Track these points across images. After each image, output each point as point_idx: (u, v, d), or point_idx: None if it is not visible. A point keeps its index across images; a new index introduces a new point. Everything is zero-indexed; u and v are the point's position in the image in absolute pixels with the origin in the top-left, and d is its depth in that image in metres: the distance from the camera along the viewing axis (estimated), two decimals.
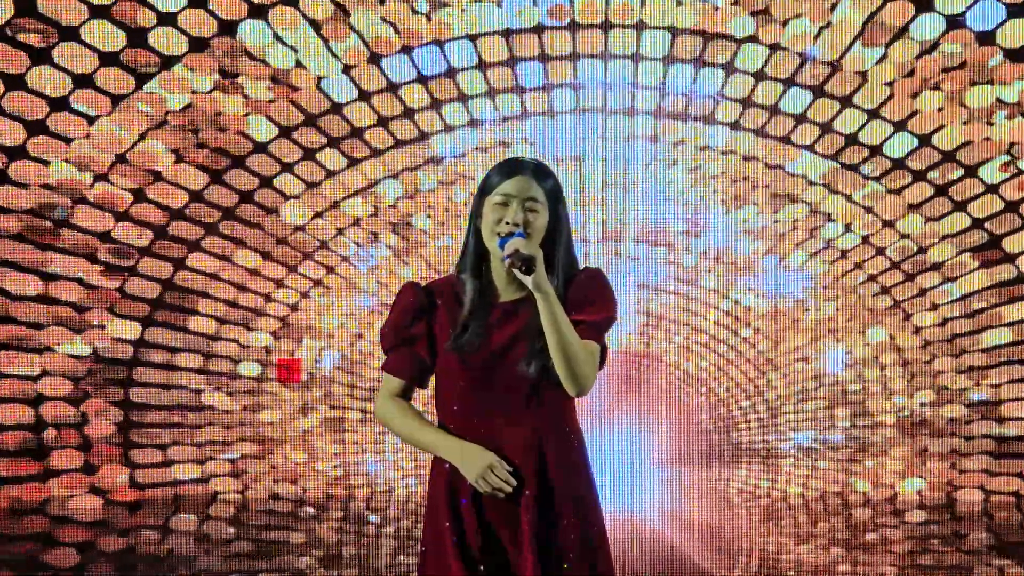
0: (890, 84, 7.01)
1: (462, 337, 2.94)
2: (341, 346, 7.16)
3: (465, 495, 2.95)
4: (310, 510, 7.05)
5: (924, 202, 7.20)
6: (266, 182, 7.12)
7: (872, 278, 7.19)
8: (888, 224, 7.14)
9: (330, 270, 7.18)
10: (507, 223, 2.91)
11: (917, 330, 7.25)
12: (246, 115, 7.03)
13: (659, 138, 7.06)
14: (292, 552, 6.76)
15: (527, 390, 2.95)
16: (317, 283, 7.17)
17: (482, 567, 2.93)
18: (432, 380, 3.08)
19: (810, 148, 7.14)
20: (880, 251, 7.18)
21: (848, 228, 7.16)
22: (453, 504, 2.95)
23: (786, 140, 7.11)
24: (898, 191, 7.18)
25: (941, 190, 7.16)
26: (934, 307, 7.22)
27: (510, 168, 2.98)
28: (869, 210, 7.16)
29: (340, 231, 7.17)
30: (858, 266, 7.12)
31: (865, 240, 7.17)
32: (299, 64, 7.04)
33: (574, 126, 7.06)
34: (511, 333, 2.95)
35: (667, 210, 7.06)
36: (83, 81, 6.91)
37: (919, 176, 7.16)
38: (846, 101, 7.07)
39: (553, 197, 2.98)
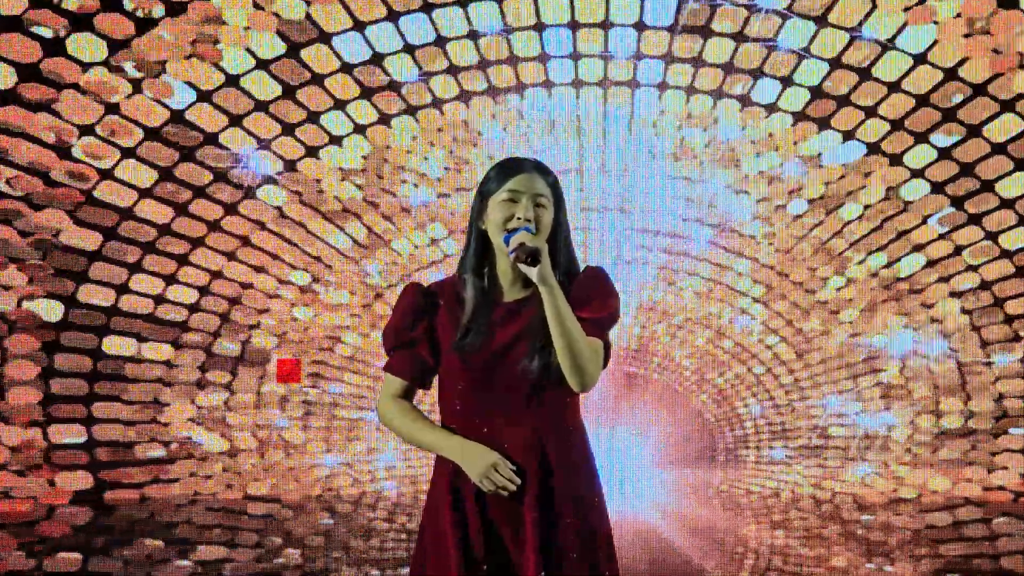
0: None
1: (465, 338, 3.00)
2: (322, 340, 7.03)
3: (468, 495, 2.99)
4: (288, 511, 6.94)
5: (948, 181, 7.01)
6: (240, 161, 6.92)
7: (889, 264, 7.04)
8: (907, 205, 6.99)
9: (316, 259, 7.01)
10: (519, 218, 2.97)
11: (937, 321, 7.07)
12: (219, 88, 6.81)
13: (663, 113, 6.95)
14: (271, 556, 6.66)
15: (528, 390, 2.99)
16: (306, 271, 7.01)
17: (484, 567, 2.97)
18: (435, 380, 3.15)
19: (825, 122, 6.95)
20: (898, 236, 7.02)
21: (864, 210, 7.01)
22: (455, 504, 2.99)
23: (801, 115, 6.94)
24: (921, 172, 6.99)
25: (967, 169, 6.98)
26: (956, 295, 7.03)
27: (513, 166, 3.04)
28: (886, 195, 6.99)
29: (326, 217, 6.99)
30: (872, 252, 7.01)
31: (879, 226, 7.02)
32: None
33: (572, 100, 6.94)
34: (514, 332, 3.00)
35: (672, 199, 7.00)
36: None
37: (944, 154, 6.98)
38: (865, 74, 6.91)
39: (555, 193, 3.06)
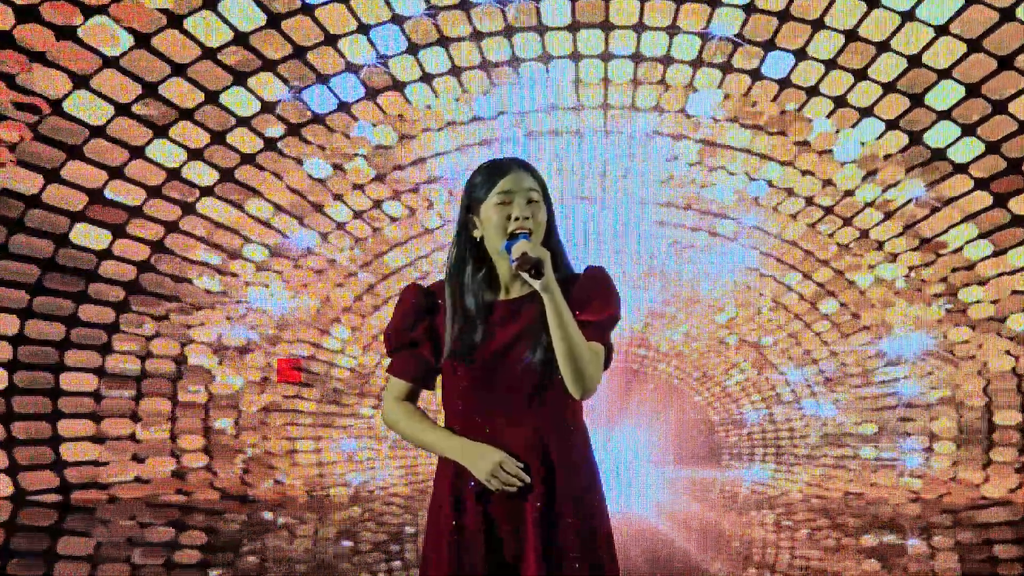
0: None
1: (461, 340, 3.05)
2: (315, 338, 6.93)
3: (469, 495, 3.03)
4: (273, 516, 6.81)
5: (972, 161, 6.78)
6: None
7: (907, 251, 6.90)
8: (906, 204, 6.83)
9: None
10: (516, 218, 3.02)
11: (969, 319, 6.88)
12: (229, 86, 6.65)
13: (662, 114, 6.82)
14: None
15: (530, 389, 3.03)
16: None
17: (484, 568, 3.00)
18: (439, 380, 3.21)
19: (831, 108, 6.76)
20: (900, 233, 6.87)
21: (882, 192, 6.85)
22: (456, 504, 3.04)
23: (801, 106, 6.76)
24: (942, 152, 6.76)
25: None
26: (978, 285, 6.85)
27: (499, 168, 3.09)
28: (885, 189, 6.84)
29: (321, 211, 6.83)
30: (885, 241, 6.87)
31: (885, 218, 6.88)
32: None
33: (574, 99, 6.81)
34: (515, 332, 3.05)
35: (675, 200, 6.94)
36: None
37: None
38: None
39: (544, 190, 3.11)
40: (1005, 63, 6.57)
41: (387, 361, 3.18)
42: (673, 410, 7.00)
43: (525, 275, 2.96)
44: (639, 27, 6.63)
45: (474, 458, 3.01)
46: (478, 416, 3.06)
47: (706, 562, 6.29)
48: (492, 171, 3.09)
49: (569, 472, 3.03)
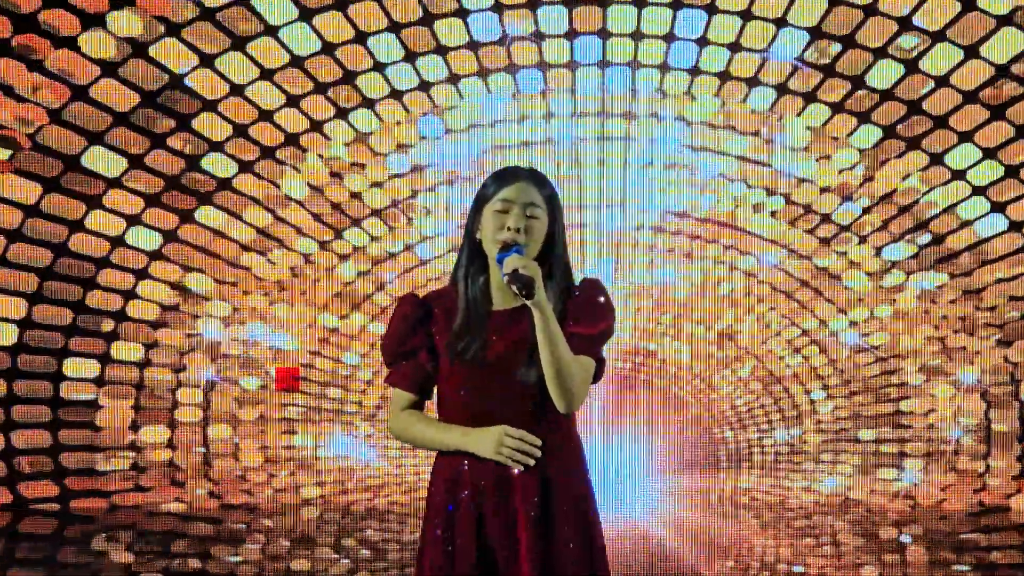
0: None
1: (460, 344, 3.09)
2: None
3: (463, 502, 3.07)
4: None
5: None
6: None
7: (907, 258, 6.90)
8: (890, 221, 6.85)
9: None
10: (509, 228, 3.06)
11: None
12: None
13: (658, 135, 6.87)
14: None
15: (525, 400, 3.07)
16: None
17: (478, 572, 3.02)
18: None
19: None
20: (916, 227, 6.87)
21: (848, 228, 6.91)
22: (451, 512, 3.07)
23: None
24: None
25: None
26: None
27: (508, 175, 3.12)
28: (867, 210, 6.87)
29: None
30: (886, 245, 6.86)
31: (864, 240, 6.91)
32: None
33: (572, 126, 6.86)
34: (512, 340, 3.09)
35: (673, 210, 6.95)
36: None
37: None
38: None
39: (551, 204, 3.12)
40: None
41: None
42: (673, 418, 6.99)
43: (516, 293, 2.98)
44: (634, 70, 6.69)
45: (477, 441, 3.05)
46: (474, 424, 3.08)
47: (698, 565, 6.31)
48: (500, 177, 3.12)
49: (566, 479, 3.06)
